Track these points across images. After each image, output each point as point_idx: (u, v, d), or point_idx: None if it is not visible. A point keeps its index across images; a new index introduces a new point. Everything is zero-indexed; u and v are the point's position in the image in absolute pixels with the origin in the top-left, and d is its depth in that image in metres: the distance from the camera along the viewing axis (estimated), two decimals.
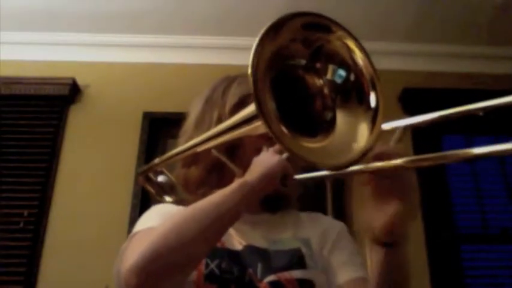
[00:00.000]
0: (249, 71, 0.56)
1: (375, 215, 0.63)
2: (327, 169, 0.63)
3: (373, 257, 0.66)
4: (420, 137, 2.31)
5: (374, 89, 0.62)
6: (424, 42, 2.60)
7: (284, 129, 0.59)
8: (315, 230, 0.88)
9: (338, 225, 0.92)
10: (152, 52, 2.59)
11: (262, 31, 0.57)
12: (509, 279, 2.27)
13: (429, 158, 0.57)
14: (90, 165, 2.33)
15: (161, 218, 0.79)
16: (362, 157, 0.59)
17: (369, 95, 0.62)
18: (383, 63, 2.49)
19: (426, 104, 2.46)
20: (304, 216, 0.93)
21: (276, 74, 0.61)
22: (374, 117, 0.61)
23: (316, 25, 0.62)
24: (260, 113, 0.56)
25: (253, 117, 0.65)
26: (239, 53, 2.44)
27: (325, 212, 2.23)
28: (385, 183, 0.62)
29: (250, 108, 0.66)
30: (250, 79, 0.56)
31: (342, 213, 2.19)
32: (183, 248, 0.65)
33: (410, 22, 2.48)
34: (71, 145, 2.38)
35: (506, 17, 2.41)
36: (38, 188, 2.24)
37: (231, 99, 0.88)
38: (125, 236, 0.78)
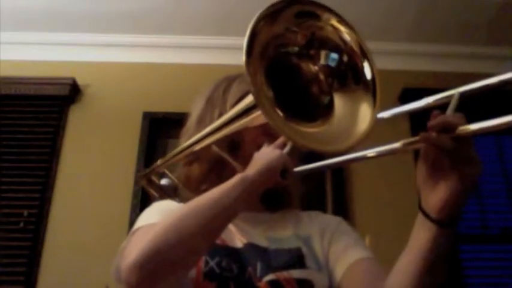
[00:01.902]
0: (243, 56, 0.57)
1: (432, 191, 0.59)
2: (329, 154, 0.63)
3: (421, 235, 0.63)
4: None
5: (366, 58, 0.63)
6: (424, 42, 2.60)
7: (282, 115, 0.60)
8: (315, 227, 0.89)
9: (337, 219, 0.93)
10: (152, 52, 2.59)
11: (256, 16, 0.59)
12: (509, 279, 2.26)
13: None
14: (90, 165, 2.33)
15: (162, 214, 0.79)
16: (363, 139, 0.59)
17: (363, 70, 0.63)
18: (383, 63, 2.49)
19: None
20: (304, 215, 0.93)
21: (271, 63, 0.61)
22: (373, 96, 0.62)
23: (306, 13, 0.63)
24: (257, 101, 0.56)
25: (251, 107, 0.65)
26: (239, 53, 2.43)
27: (325, 208, 2.23)
28: (443, 158, 0.57)
29: (249, 99, 0.66)
30: (244, 61, 0.57)
31: (342, 209, 2.19)
32: (183, 243, 0.65)
33: (410, 22, 2.48)
34: (71, 145, 2.38)
35: (506, 17, 2.41)
36: (38, 188, 2.24)
37: (232, 97, 0.88)
38: (124, 236, 0.79)
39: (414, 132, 2.35)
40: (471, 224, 2.36)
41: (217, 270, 0.75)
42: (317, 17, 0.63)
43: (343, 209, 2.20)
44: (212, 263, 0.76)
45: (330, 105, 0.64)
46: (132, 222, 2.19)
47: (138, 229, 0.76)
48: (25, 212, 2.18)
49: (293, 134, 0.59)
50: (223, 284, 0.75)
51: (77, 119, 2.44)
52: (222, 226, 0.70)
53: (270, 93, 0.60)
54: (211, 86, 0.95)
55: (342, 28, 0.64)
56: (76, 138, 2.40)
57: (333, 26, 0.64)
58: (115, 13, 2.42)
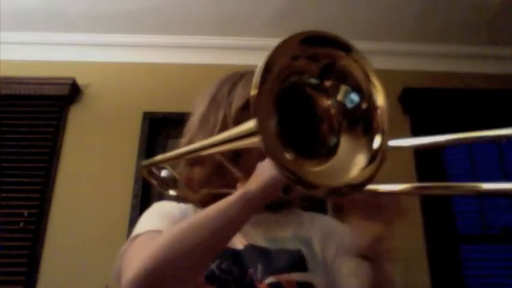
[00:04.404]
0: (252, 100, 0.55)
1: (361, 233, 0.72)
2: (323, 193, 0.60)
3: (360, 271, 0.74)
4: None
5: (382, 134, 0.61)
6: (425, 42, 2.60)
7: (286, 154, 0.57)
8: (316, 230, 0.88)
9: (340, 228, 0.91)
10: (152, 52, 2.59)
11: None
12: (509, 279, 2.26)
13: (435, 186, 0.57)
14: (90, 165, 2.33)
15: (162, 219, 0.79)
16: (349, 189, 0.58)
17: (375, 132, 0.61)
18: (383, 63, 2.50)
19: (426, 104, 2.47)
20: (306, 215, 0.92)
21: (282, 92, 0.59)
22: (373, 155, 0.60)
23: (326, 40, 0.60)
24: (259, 133, 0.55)
25: (253, 133, 0.62)
26: (239, 53, 2.45)
27: (325, 208, 2.23)
28: (373, 205, 0.70)
29: (250, 124, 0.63)
30: (253, 102, 0.55)
31: (342, 209, 2.19)
32: (183, 260, 0.64)
33: (411, 22, 2.48)
34: (71, 145, 2.38)
35: (506, 17, 2.41)
36: (38, 188, 2.24)
37: (237, 100, 0.86)
38: (124, 236, 0.79)
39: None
40: (471, 224, 2.36)
41: (217, 272, 0.75)
42: (344, 50, 0.60)
43: (342, 209, 2.19)
44: (213, 266, 0.75)
45: (336, 145, 0.63)
46: (131, 222, 2.19)
47: (138, 235, 0.75)
48: (25, 212, 2.18)
49: (294, 169, 0.57)
50: (223, 287, 0.74)
51: (77, 119, 2.44)
52: (223, 242, 0.70)
53: (274, 124, 0.58)
54: (215, 84, 0.93)
55: (378, 88, 0.61)
56: (76, 138, 2.40)
57: (363, 70, 0.61)
58: (115, 13, 2.42)
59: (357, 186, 0.58)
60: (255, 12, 2.39)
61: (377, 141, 0.61)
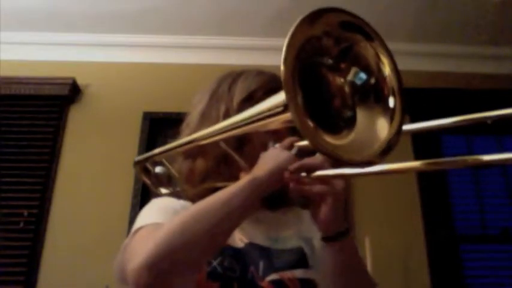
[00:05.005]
0: (282, 61, 0.56)
1: (317, 218, 0.72)
2: (351, 165, 0.61)
3: (323, 254, 0.74)
4: (420, 137, 2.32)
5: (393, 94, 0.62)
6: (425, 43, 2.61)
7: (311, 123, 0.58)
8: (316, 228, 0.88)
9: None
10: (152, 52, 2.59)
11: (298, 20, 0.57)
12: (509, 279, 2.27)
13: (436, 162, 0.57)
14: (90, 165, 2.34)
15: (163, 212, 0.79)
16: (384, 153, 0.58)
17: (387, 96, 0.62)
18: None
19: (426, 104, 2.47)
20: (306, 214, 0.93)
21: (303, 68, 0.59)
22: (392, 114, 0.61)
23: (353, 26, 0.62)
24: (291, 105, 0.55)
25: (280, 111, 0.63)
26: (239, 53, 2.45)
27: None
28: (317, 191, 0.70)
29: (279, 99, 0.63)
30: (283, 70, 0.55)
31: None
32: (192, 245, 0.64)
33: (411, 22, 2.48)
34: (71, 145, 2.38)
35: (507, 17, 2.41)
36: (38, 188, 2.24)
37: (239, 94, 0.87)
38: (124, 236, 0.78)
39: (415, 140, 2.35)
40: (471, 224, 2.36)
41: (220, 270, 0.75)
42: (365, 36, 0.62)
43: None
44: (215, 263, 0.76)
45: (352, 119, 0.64)
46: (131, 222, 2.18)
47: (141, 228, 0.75)
48: (25, 212, 2.18)
49: (319, 143, 0.58)
50: (226, 284, 0.75)
51: (77, 119, 2.45)
52: (231, 228, 0.70)
53: (301, 99, 0.58)
54: (214, 81, 0.93)
55: (385, 61, 0.63)
56: (76, 138, 2.40)
57: (376, 52, 0.63)
58: (115, 13, 2.42)
59: (389, 147, 0.59)
60: (255, 12, 2.39)
61: (391, 102, 0.62)
